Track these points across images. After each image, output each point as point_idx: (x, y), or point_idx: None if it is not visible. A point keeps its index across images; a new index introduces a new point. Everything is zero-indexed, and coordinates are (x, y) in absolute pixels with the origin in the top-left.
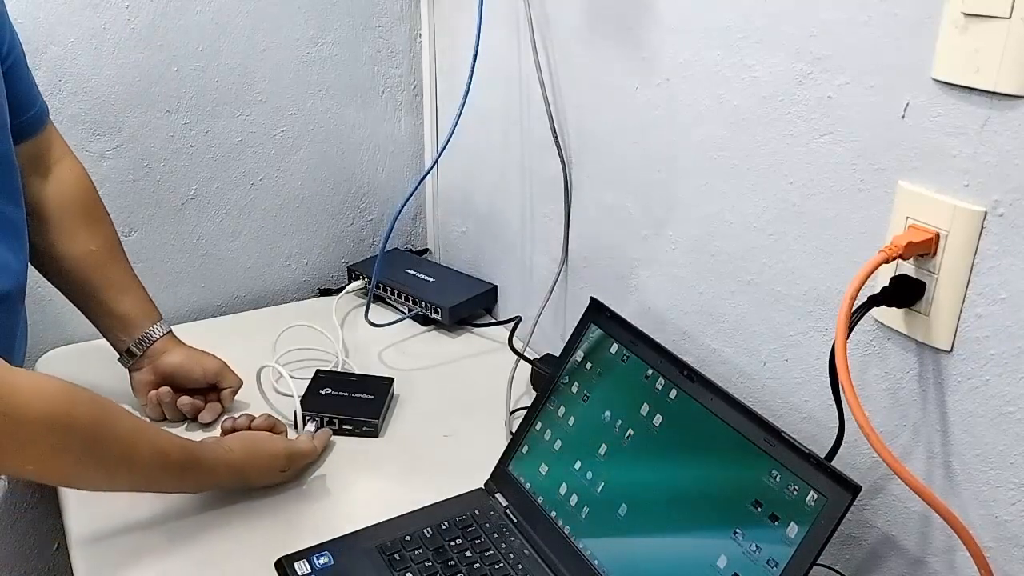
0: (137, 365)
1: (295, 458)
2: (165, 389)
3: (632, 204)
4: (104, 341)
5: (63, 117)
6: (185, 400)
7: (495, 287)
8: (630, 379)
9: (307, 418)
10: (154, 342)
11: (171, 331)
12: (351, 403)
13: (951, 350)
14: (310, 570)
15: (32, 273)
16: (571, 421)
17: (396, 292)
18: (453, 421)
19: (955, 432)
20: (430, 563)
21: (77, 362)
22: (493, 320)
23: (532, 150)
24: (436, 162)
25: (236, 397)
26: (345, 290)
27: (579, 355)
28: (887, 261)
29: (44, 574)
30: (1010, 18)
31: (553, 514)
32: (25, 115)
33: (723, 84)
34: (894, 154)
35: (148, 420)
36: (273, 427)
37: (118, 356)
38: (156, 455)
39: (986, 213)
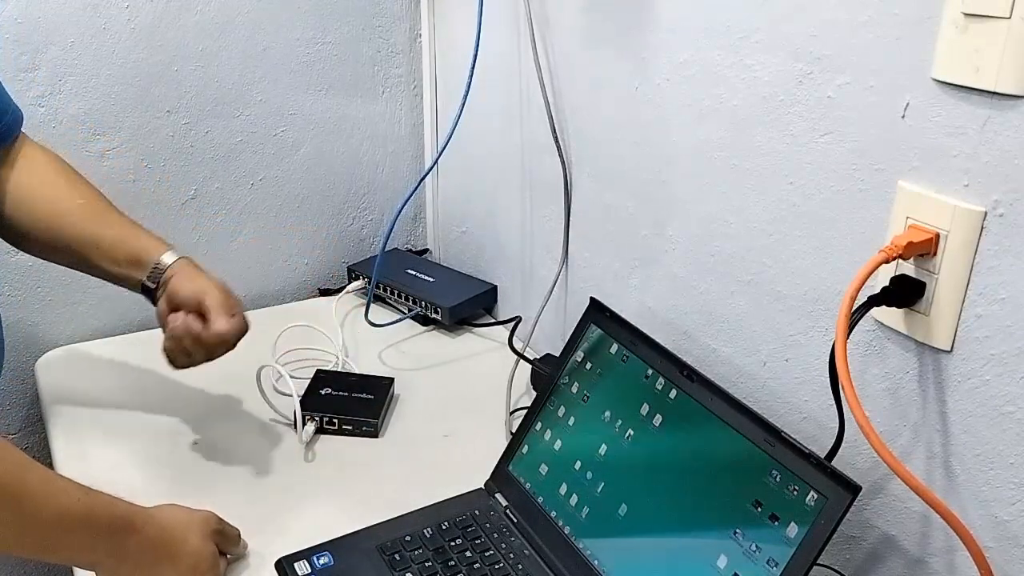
0: (157, 297)
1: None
2: (178, 314)
3: (632, 204)
4: (104, 341)
5: (63, 117)
6: (176, 318)
7: (495, 287)
8: (630, 379)
9: (307, 418)
10: (165, 270)
11: (187, 258)
12: (351, 403)
13: (951, 350)
14: (310, 570)
15: (31, 275)
16: (571, 421)
17: (396, 292)
18: (453, 421)
19: (955, 432)
20: (430, 563)
21: (77, 362)
22: (493, 320)
23: (532, 150)
24: (436, 162)
25: (235, 395)
26: (345, 290)
27: (579, 355)
28: (887, 261)
29: (44, 574)
30: (1010, 18)
31: (553, 514)
32: None
33: (723, 84)
34: (894, 154)
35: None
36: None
37: (142, 293)
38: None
39: (986, 213)
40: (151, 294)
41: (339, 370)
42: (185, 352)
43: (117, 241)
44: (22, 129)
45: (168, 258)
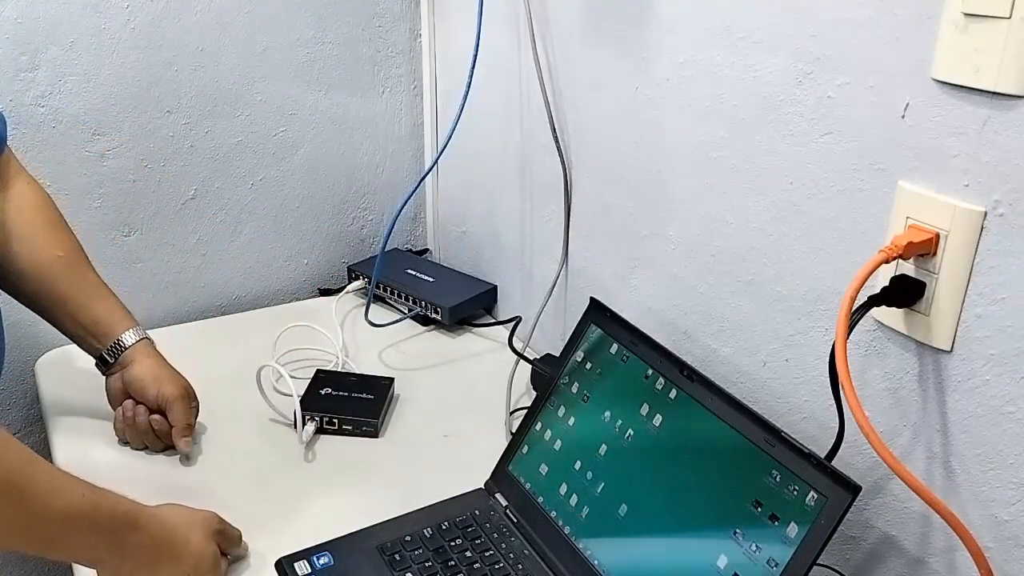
0: (111, 371)
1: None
2: (140, 408)
3: (631, 204)
4: None
5: (63, 117)
6: (156, 417)
7: (495, 287)
8: (630, 379)
9: (307, 418)
10: (125, 349)
11: (147, 339)
12: (351, 403)
13: (951, 350)
14: (310, 570)
15: None
16: (571, 421)
17: (396, 292)
18: (453, 421)
19: (955, 432)
20: (430, 563)
21: (77, 362)
22: (493, 320)
23: (532, 150)
24: (436, 162)
25: (235, 395)
26: (345, 290)
27: (579, 355)
28: (887, 261)
29: (44, 574)
30: (1010, 18)
31: (553, 514)
32: None
33: (723, 84)
34: (894, 154)
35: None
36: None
37: (95, 362)
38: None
39: (986, 213)
40: (105, 365)
41: (339, 370)
42: (142, 440)
43: (84, 303)
44: (10, 140)
45: (129, 338)
